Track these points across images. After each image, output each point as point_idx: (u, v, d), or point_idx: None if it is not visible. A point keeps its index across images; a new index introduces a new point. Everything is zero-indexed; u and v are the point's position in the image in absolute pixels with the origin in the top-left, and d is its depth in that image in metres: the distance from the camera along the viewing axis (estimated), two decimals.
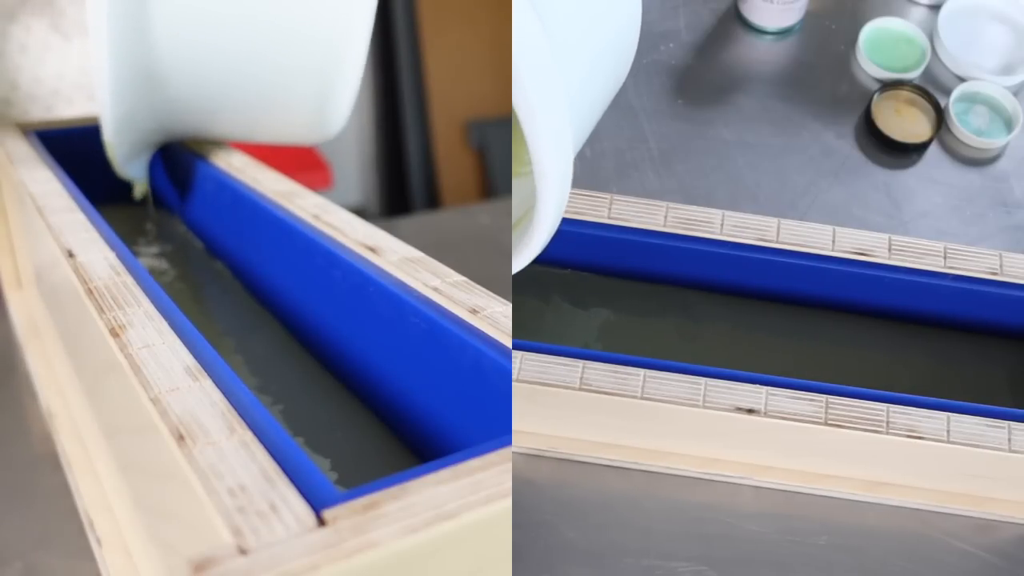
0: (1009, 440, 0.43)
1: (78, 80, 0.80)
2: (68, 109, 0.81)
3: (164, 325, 0.35)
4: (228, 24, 0.52)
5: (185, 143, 0.63)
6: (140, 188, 0.64)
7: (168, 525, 0.31)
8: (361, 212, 0.54)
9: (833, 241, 0.48)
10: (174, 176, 0.66)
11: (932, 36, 0.64)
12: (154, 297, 0.38)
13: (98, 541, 0.42)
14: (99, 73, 0.51)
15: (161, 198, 0.69)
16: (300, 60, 0.54)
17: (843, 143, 0.61)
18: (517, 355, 0.44)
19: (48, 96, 0.80)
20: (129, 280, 0.39)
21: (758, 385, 0.43)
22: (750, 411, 0.43)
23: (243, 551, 0.23)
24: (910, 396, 0.44)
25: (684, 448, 0.47)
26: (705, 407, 0.43)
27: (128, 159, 0.60)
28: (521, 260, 0.42)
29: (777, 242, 0.48)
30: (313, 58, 0.54)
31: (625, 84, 0.62)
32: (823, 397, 0.43)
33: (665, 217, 0.49)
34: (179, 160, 0.64)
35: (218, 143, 0.63)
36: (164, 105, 0.55)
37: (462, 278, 0.40)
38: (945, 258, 0.48)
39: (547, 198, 0.37)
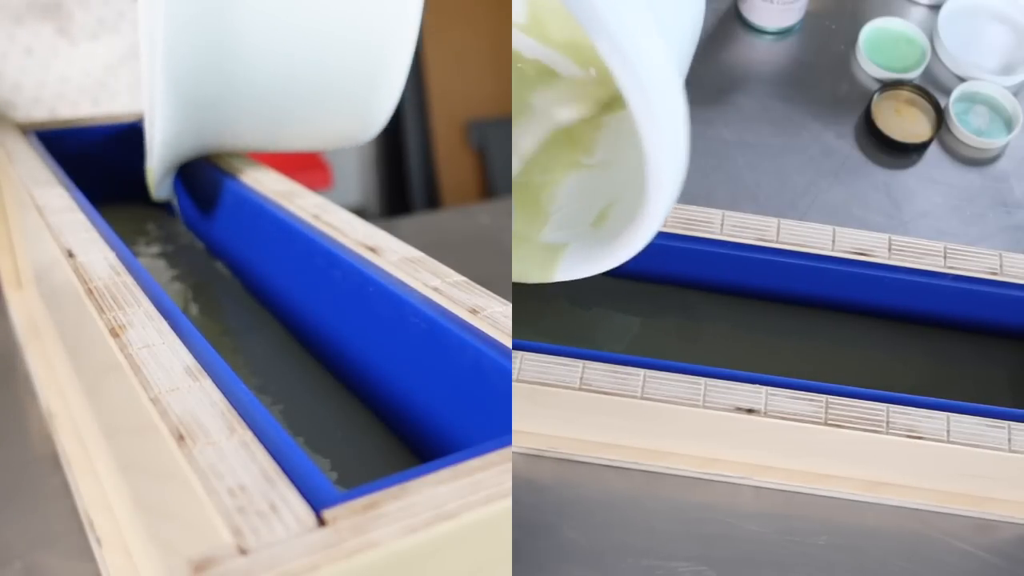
0: (1009, 440, 0.43)
1: (82, 83, 0.80)
2: (72, 112, 0.81)
3: (164, 325, 0.35)
4: (284, 33, 0.49)
5: None
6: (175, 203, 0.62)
7: (168, 525, 0.31)
8: (361, 212, 0.54)
9: (833, 241, 0.48)
10: (174, 176, 0.66)
11: (932, 36, 0.64)
12: (154, 297, 0.38)
13: (98, 541, 0.42)
14: (152, 97, 0.48)
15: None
16: (350, 63, 0.52)
17: (843, 143, 0.61)
18: (517, 355, 0.44)
19: (52, 99, 0.80)
20: (129, 280, 0.39)
21: (758, 385, 0.43)
22: (750, 411, 0.43)
23: (243, 551, 0.23)
24: (910, 396, 0.44)
25: (684, 448, 0.47)
26: (705, 407, 0.43)
27: (162, 181, 0.58)
28: (619, 257, 0.38)
29: (777, 242, 0.48)
30: (362, 61, 0.52)
31: None
32: (823, 397, 0.43)
33: None
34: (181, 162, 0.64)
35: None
36: (213, 124, 0.53)
37: (462, 278, 0.40)
38: (945, 258, 0.48)
39: (665, 171, 0.33)
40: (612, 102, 0.48)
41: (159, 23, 0.44)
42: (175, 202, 0.64)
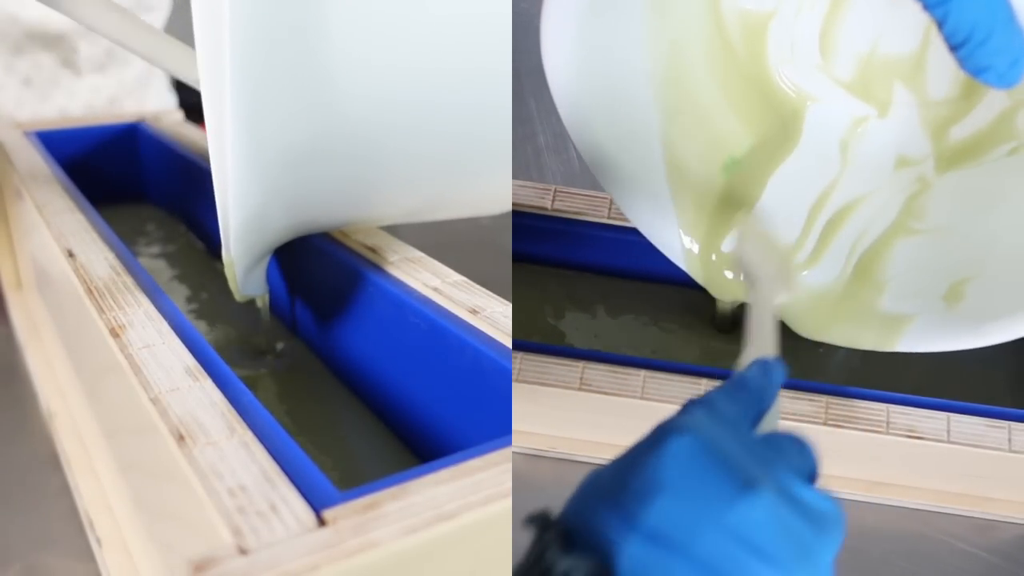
0: (1009, 440, 0.43)
1: (83, 117, 0.80)
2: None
3: (164, 325, 0.35)
4: (420, 72, 0.34)
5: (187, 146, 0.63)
6: (261, 302, 0.46)
7: (168, 525, 0.31)
8: None
9: None
10: (174, 176, 0.66)
11: None
12: (154, 297, 0.38)
13: (98, 541, 0.42)
14: (221, 156, 0.33)
15: (161, 196, 0.69)
16: (499, 99, 0.38)
17: None
18: (517, 355, 0.44)
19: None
20: (129, 280, 0.39)
21: None
22: None
23: (243, 551, 0.23)
24: (910, 396, 0.44)
25: None
26: None
27: (248, 272, 0.42)
28: (992, 340, 0.37)
29: None
30: (504, 95, 0.38)
31: None
32: (823, 397, 0.43)
33: None
34: (180, 161, 0.64)
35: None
36: (311, 197, 0.37)
37: (462, 278, 0.40)
38: None
39: None
40: (954, 158, 0.44)
41: (227, 53, 0.30)
42: (266, 299, 0.47)
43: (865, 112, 0.45)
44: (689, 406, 0.28)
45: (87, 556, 0.43)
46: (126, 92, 0.82)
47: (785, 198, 0.45)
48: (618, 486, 0.25)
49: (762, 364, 0.31)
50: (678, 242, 0.46)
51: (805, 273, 0.45)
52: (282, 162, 0.33)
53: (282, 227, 0.39)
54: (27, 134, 0.63)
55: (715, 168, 0.46)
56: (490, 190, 0.42)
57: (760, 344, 0.34)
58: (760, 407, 0.29)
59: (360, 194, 0.38)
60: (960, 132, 0.43)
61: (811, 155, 0.46)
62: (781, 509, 0.24)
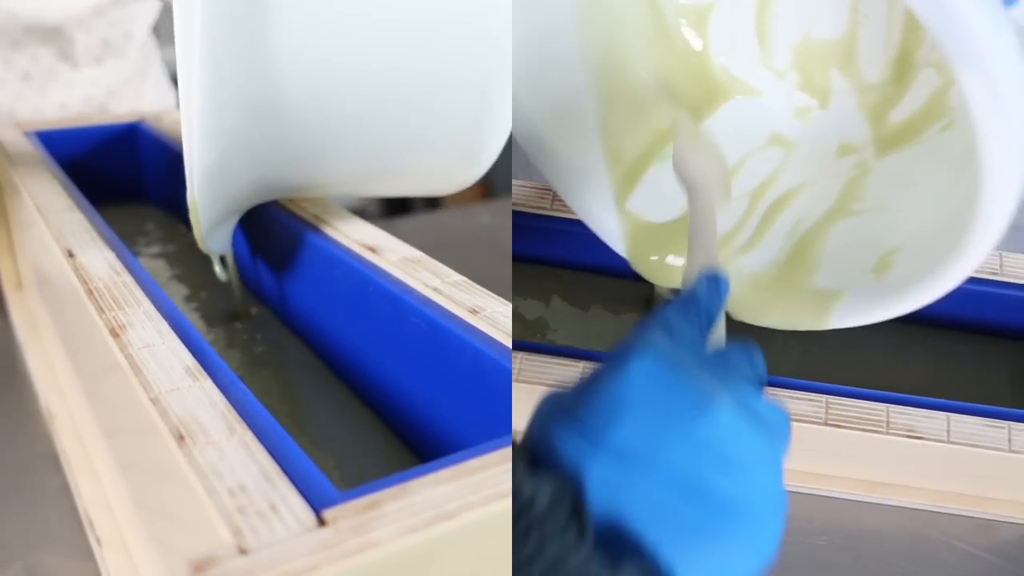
0: (1009, 440, 0.43)
1: (83, 110, 0.79)
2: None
3: (164, 325, 0.35)
4: (371, 43, 0.39)
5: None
6: (221, 270, 0.50)
7: (168, 525, 0.31)
8: (361, 212, 0.54)
9: None
10: (174, 176, 0.66)
11: None
12: (154, 297, 0.38)
13: (98, 541, 0.42)
14: (190, 103, 0.38)
15: (161, 200, 0.69)
16: (455, 95, 0.42)
17: None
18: (517, 355, 0.44)
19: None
20: (129, 280, 0.39)
21: None
22: None
23: (243, 551, 0.23)
24: (910, 396, 0.44)
25: None
26: None
27: (213, 225, 0.45)
28: (915, 303, 0.37)
29: None
30: (469, 91, 0.42)
31: None
32: (823, 397, 0.43)
33: None
34: (180, 161, 0.64)
35: None
36: (274, 150, 0.41)
37: (462, 278, 0.40)
38: None
39: (999, 203, 0.31)
40: (892, 141, 0.45)
41: (197, 26, 0.35)
42: (228, 261, 0.51)
43: (807, 103, 0.45)
44: (647, 326, 0.29)
45: (87, 556, 0.43)
46: (123, 83, 0.82)
47: None
48: (583, 407, 0.26)
49: (710, 278, 0.32)
50: (617, 229, 0.46)
51: (744, 258, 0.45)
52: (240, 115, 0.39)
53: (243, 183, 0.43)
54: (27, 134, 0.63)
55: (653, 158, 0.46)
56: (428, 166, 0.46)
57: (703, 255, 0.35)
58: (710, 320, 0.31)
59: (309, 154, 0.42)
60: (897, 115, 0.44)
61: (753, 146, 0.46)
62: (740, 421, 0.26)
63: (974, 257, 0.33)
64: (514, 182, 0.53)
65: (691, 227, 0.36)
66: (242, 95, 0.38)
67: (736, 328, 0.47)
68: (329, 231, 0.46)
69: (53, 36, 0.75)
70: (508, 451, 0.27)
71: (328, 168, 0.44)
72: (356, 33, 0.38)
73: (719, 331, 0.32)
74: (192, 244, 0.62)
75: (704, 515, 0.25)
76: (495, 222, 0.91)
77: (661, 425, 0.25)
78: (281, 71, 0.38)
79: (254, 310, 0.53)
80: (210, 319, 0.53)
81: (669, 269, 0.46)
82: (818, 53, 0.45)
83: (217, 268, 0.50)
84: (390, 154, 0.44)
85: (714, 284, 0.32)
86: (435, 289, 0.39)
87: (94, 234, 0.44)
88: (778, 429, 0.27)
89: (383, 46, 0.39)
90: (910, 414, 0.43)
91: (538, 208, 0.51)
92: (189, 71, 0.37)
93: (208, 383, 0.31)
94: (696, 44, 0.46)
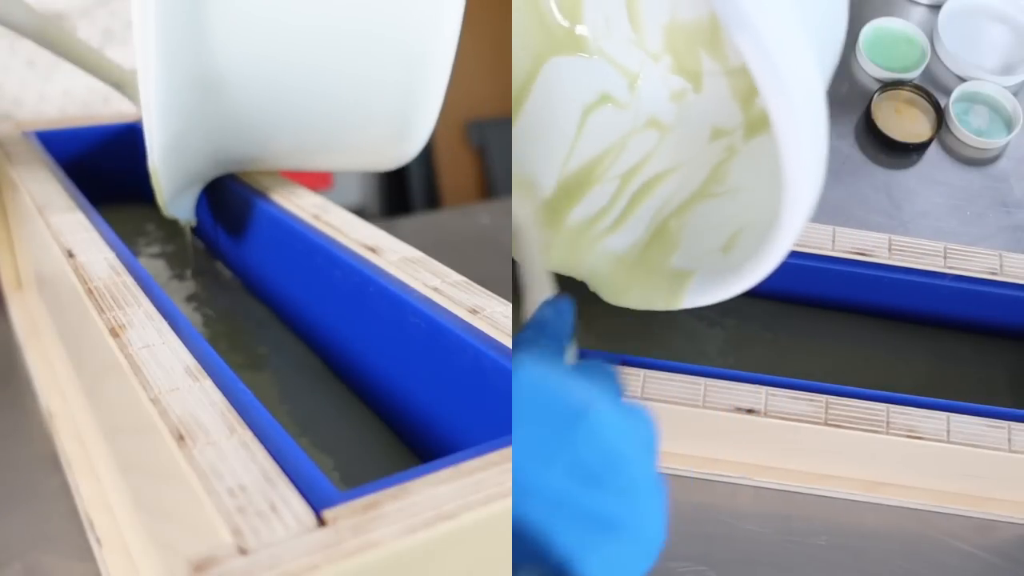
0: (1009, 440, 0.43)
1: (86, 99, 0.80)
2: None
3: (164, 325, 0.35)
4: (299, 29, 0.43)
5: None
6: (187, 228, 0.55)
7: (168, 525, 0.31)
8: (361, 212, 0.54)
9: (833, 241, 0.48)
10: None
11: (932, 36, 0.64)
12: (154, 297, 0.38)
13: (98, 541, 0.42)
14: (147, 82, 0.42)
15: None
16: (382, 73, 0.46)
17: (843, 143, 0.61)
18: None
19: (53, 113, 0.79)
20: (129, 280, 0.39)
21: (758, 385, 0.43)
22: (750, 411, 0.43)
23: (243, 551, 0.23)
24: (910, 396, 0.44)
25: (684, 448, 0.47)
26: (705, 407, 0.43)
27: (176, 193, 0.50)
28: (748, 281, 0.38)
29: None
30: (396, 71, 0.46)
31: None
32: (823, 397, 0.43)
33: None
34: None
35: None
36: (222, 124, 0.46)
37: (462, 278, 0.40)
38: (945, 258, 0.48)
39: (800, 183, 0.32)
40: (759, 124, 0.45)
41: (151, 15, 0.40)
42: (189, 228, 0.55)
43: (682, 86, 0.46)
44: (518, 353, 0.31)
45: (87, 556, 0.43)
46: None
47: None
48: None
49: (550, 303, 0.35)
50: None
51: (610, 238, 0.46)
52: (191, 93, 0.43)
53: (198, 155, 0.48)
54: (27, 134, 0.63)
55: None
56: (363, 142, 0.50)
57: (538, 288, 0.39)
58: (564, 340, 0.33)
59: (254, 129, 0.47)
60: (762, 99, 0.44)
61: (633, 128, 0.47)
62: (616, 418, 0.29)
63: (787, 234, 0.34)
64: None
65: (524, 269, 0.40)
66: (191, 75, 0.43)
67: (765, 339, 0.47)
68: (329, 231, 0.46)
69: (58, 23, 0.76)
70: (508, 451, 0.27)
71: (272, 142, 0.48)
72: (291, 18, 0.43)
73: (573, 350, 0.35)
74: (193, 244, 0.62)
75: (599, 505, 0.27)
76: (495, 222, 0.91)
77: (543, 447, 0.28)
78: (224, 53, 0.43)
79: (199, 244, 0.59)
80: (178, 288, 0.57)
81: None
82: (686, 34, 0.46)
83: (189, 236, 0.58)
84: (326, 130, 0.48)
85: (557, 307, 0.35)
86: (435, 289, 0.39)
87: (94, 234, 0.44)
88: (648, 423, 0.30)
89: (317, 31, 0.44)
90: (910, 414, 0.43)
91: None
92: (146, 56, 0.41)
93: (208, 383, 0.31)
94: (570, 26, 0.47)
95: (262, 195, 0.52)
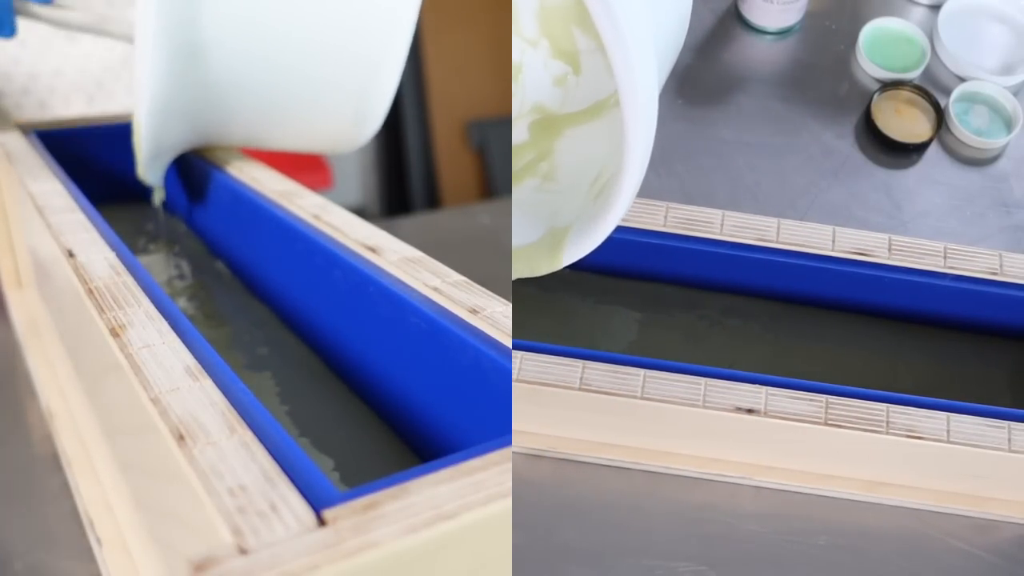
0: (1009, 440, 0.43)
1: (77, 80, 0.80)
2: (64, 108, 0.81)
3: (164, 325, 0.35)
4: (273, 12, 0.50)
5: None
6: (159, 194, 0.62)
7: (168, 525, 0.31)
8: (361, 212, 0.54)
9: (833, 241, 0.48)
10: (174, 177, 0.66)
11: (932, 36, 0.64)
12: (154, 297, 0.38)
13: (98, 541, 0.42)
14: (141, 57, 0.49)
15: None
16: (340, 69, 0.53)
17: (843, 143, 0.61)
18: (517, 355, 0.44)
19: (43, 92, 0.79)
20: (129, 280, 0.39)
21: (758, 385, 0.43)
22: (750, 411, 0.43)
23: (243, 551, 0.23)
24: (910, 396, 0.44)
25: (684, 448, 0.47)
26: (705, 407, 0.43)
27: (153, 158, 0.57)
28: (608, 226, 0.39)
29: (777, 242, 0.48)
30: (353, 68, 0.53)
31: None
32: (823, 397, 0.43)
33: (665, 217, 0.49)
34: (179, 161, 0.64)
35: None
36: (199, 93, 0.53)
37: (462, 278, 0.40)
38: (945, 258, 0.48)
39: (635, 150, 0.35)
40: None
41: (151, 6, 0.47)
42: (159, 196, 0.63)
43: (562, 70, 0.47)
44: None
45: (87, 556, 0.43)
46: (120, 62, 0.83)
47: None
48: None
49: None
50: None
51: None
52: (181, 57, 0.50)
53: (181, 127, 0.55)
54: (27, 134, 0.63)
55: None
56: (321, 123, 0.57)
57: None
58: None
59: (226, 104, 0.54)
60: None
61: (519, 114, 0.48)
62: None
63: (629, 182, 0.36)
64: None
65: None
66: (181, 41, 0.49)
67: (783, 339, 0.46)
68: (330, 231, 0.46)
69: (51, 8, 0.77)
70: (508, 451, 0.27)
71: (241, 115, 0.55)
72: (267, 10, 0.50)
73: None
74: (192, 244, 0.62)
75: None
76: (495, 222, 0.91)
77: None
78: (211, 23, 0.49)
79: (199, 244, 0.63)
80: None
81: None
82: (557, 15, 0.47)
83: (156, 196, 0.63)
84: (289, 110, 0.55)
85: None
86: (435, 289, 0.39)
87: (94, 234, 0.44)
88: None
89: (292, 19, 0.51)
90: (910, 414, 0.43)
91: None
92: (145, 20, 0.48)
93: (208, 383, 0.31)
94: None
95: (264, 196, 0.52)
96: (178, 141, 0.57)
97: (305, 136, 0.58)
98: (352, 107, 0.55)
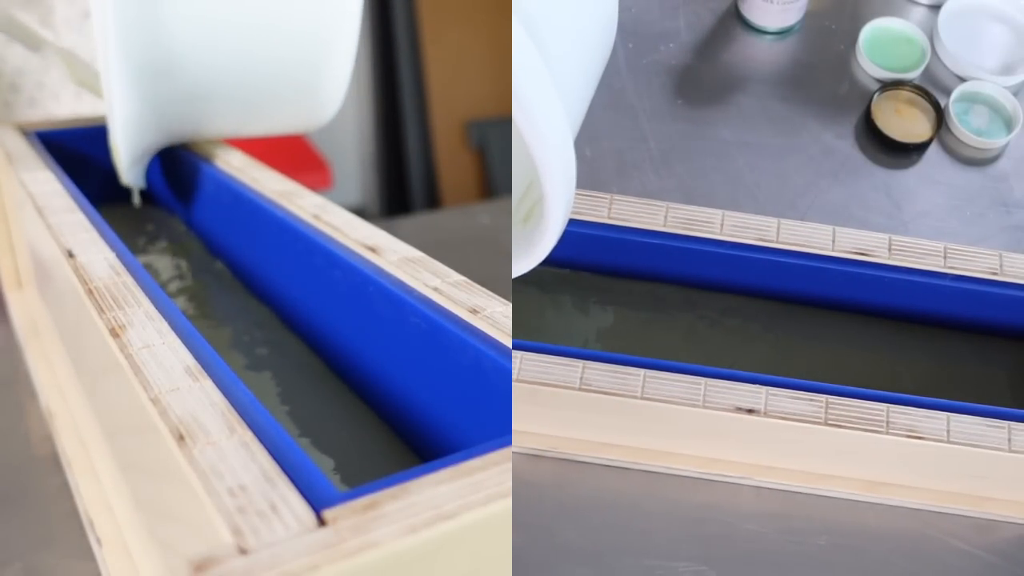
0: (1009, 440, 0.43)
1: (66, 75, 0.80)
2: (54, 104, 0.81)
3: (164, 325, 0.35)
4: (227, 19, 0.54)
5: (185, 144, 0.63)
6: (136, 196, 0.66)
7: (168, 525, 0.31)
8: (361, 212, 0.54)
9: (833, 241, 0.48)
10: (174, 177, 0.66)
11: (932, 36, 0.64)
12: (154, 297, 0.38)
13: (98, 541, 0.42)
14: (107, 73, 0.52)
15: (161, 199, 0.69)
16: (292, 53, 0.57)
17: (843, 143, 0.61)
18: (517, 355, 0.44)
19: (32, 88, 0.80)
20: (129, 280, 0.39)
21: (758, 385, 0.43)
22: (750, 411, 0.43)
23: (243, 551, 0.23)
24: (910, 396, 0.44)
25: (684, 448, 0.47)
26: (705, 407, 0.43)
27: (132, 164, 0.60)
28: (529, 261, 0.40)
29: (777, 242, 0.48)
30: (304, 51, 0.57)
31: (625, 84, 0.62)
32: (823, 397, 0.43)
33: (665, 217, 0.49)
34: (179, 161, 0.64)
35: (217, 143, 0.63)
36: (168, 104, 0.56)
37: (462, 278, 0.40)
38: (945, 258, 0.48)
39: (554, 202, 0.36)
40: None
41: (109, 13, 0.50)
42: (138, 191, 0.67)
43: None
44: None
45: (87, 556, 0.43)
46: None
47: None
48: None
49: None
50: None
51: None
52: (146, 76, 0.53)
53: (154, 129, 0.58)
54: (27, 134, 0.63)
55: None
56: (281, 109, 0.61)
57: None
58: None
59: (200, 104, 0.57)
60: None
61: None
62: None
63: (555, 206, 0.36)
64: None
65: None
66: (144, 63, 0.53)
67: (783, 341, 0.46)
68: (329, 231, 0.46)
69: (35, 3, 0.77)
70: (508, 451, 0.27)
71: (211, 116, 0.59)
72: (227, 13, 0.54)
73: None
74: (192, 244, 0.62)
75: None
76: (495, 222, 0.91)
77: None
78: (172, 43, 0.53)
79: (199, 244, 0.64)
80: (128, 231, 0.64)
81: None
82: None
83: (136, 200, 0.67)
84: (254, 103, 0.59)
85: None
86: (435, 289, 0.39)
87: (94, 234, 0.44)
88: None
89: (247, 26, 0.55)
90: (910, 414, 0.43)
91: None
92: (106, 50, 0.51)
93: (208, 383, 0.31)
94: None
95: (264, 196, 0.52)
96: (155, 144, 0.60)
97: (276, 119, 0.62)
98: (314, 86, 0.59)
